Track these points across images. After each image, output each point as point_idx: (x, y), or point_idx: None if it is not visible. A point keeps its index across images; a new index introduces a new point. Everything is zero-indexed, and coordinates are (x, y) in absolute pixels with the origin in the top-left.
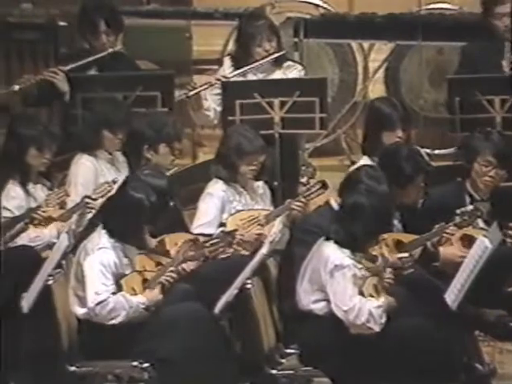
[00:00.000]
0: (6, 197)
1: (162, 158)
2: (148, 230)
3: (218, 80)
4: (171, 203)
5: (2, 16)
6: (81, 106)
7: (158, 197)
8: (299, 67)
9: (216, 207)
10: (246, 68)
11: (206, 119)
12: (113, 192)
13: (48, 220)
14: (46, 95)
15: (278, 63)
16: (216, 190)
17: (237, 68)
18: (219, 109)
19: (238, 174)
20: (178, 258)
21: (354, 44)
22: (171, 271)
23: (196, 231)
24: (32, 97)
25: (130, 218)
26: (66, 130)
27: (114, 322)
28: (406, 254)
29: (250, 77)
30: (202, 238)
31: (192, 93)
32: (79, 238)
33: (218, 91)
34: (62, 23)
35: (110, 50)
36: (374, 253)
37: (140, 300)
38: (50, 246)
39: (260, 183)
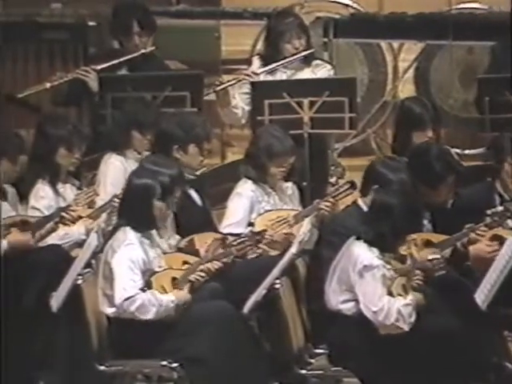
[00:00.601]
0: (35, 196)
1: (191, 158)
2: (165, 213)
3: (247, 75)
4: (199, 202)
5: (32, 16)
6: (110, 105)
7: (167, 182)
8: (328, 66)
9: (245, 207)
10: (275, 65)
11: (234, 117)
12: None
13: (77, 219)
14: (76, 94)
15: (307, 61)
16: (245, 189)
17: (266, 66)
18: (247, 108)
19: (267, 175)
20: (206, 256)
21: (384, 44)
22: (200, 270)
23: (225, 231)
24: (62, 96)
25: (139, 203)
26: (96, 130)
27: (143, 317)
28: (436, 256)
29: (279, 74)
30: (230, 238)
31: (219, 87)
32: (108, 237)
33: (247, 90)
34: (91, 23)
35: (143, 51)
36: (403, 253)
37: (170, 298)
38: (79, 244)
39: (289, 184)
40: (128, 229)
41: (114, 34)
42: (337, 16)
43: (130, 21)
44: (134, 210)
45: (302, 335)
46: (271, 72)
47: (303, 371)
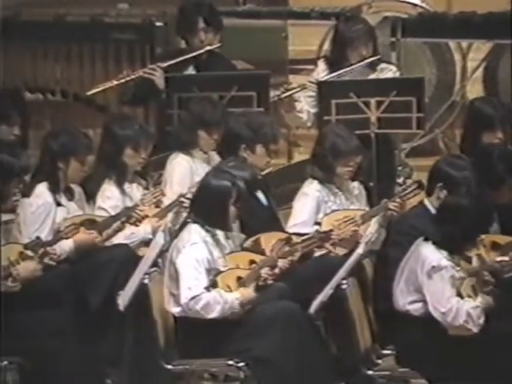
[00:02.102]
0: (102, 196)
1: (258, 158)
2: (234, 213)
3: (311, 83)
4: (265, 202)
5: (99, 16)
6: (177, 105)
7: (242, 184)
8: (394, 69)
9: (311, 207)
10: (339, 72)
11: (299, 121)
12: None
13: (144, 219)
14: (142, 94)
15: (372, 66)
16: (311, 189)
17: (331, 70)
18: (313, 111)
19: (333, 175)
20: (272, 256)
21: (452, 43)
22: (266, 269)
23: (291, 230)
24: (129, 96)
25: (215, 203)
26: (162, 130)
27: (208, 316)
28: (505, 257)
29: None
30: (295, 238)
31: (284, 95)
32: (175, 236)
33: (312, 93)
34: (158, 23)
35: (208, 48)
36: (471, 254)
37: (235, 296)
38: (146, 243)
39: (356, 184)
40: (194, 227)
41: (180, 32)
42: (405, 15)
43: (196, 17)
44: (208, 209)
45: (369, 336)
46: (337, 78)
47: (370, 372)
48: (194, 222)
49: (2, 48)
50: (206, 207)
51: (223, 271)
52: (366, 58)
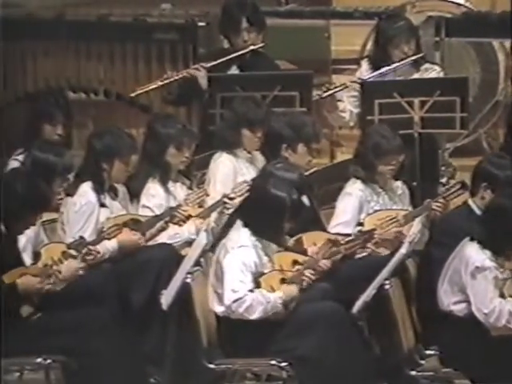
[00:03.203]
0: (146, 195)
1: (299, 157)
2: (287, 227)
3: (354, 82)
4: (308, 203)
5: (142, 16)
6: (220, 105)
7: (295, 196)
8: (438, 69)
9: (354, 207)
10: (382, 70)
11: (341, 121)
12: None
13: (188, 218)
14: (187, 94)
15: (416, 66)
16: (354, 189)
17: (374, 70)
18: (355, 110)
19: (376, 174)
20: (316, 258)
21: (496, 43)
22: (310, 271)
23: (334, 230)
24: (173, 95)
25: (272, 215)
26: (205, 129)
27: (251, 317)
28: None
29: (388, 79)
30: (339, 238)
31: (326, 94)
32: (218, 236)
33: (355, 93)
34: (201, 23)
35: (251, 47)
36: None
37: (277, 295)
38: (189, 242)
39: (399, 183)
40: (244, 230)
41: (223, 31)
42: (448, 15)
43: (239, 17)
44: (262, 220)
45: (412, 336)
46: (379, 77)
47: (413, 372)
48: (245, 226)
49: (1, 48)
50: (260, 217)
51: (266, 273)
52: (408, 56)
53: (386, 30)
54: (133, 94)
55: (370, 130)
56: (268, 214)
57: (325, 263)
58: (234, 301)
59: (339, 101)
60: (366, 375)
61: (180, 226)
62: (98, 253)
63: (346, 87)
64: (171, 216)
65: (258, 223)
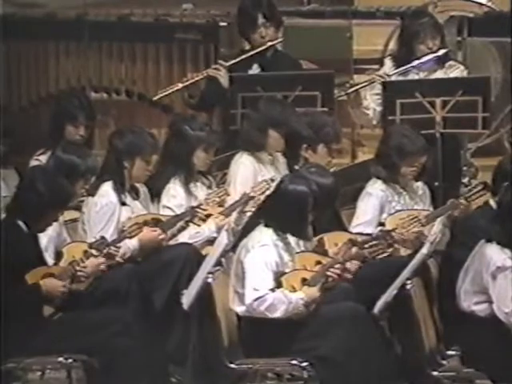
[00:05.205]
0: (167, 195)
1: (319, 157)
2: (311, 218)
3: (380, 77)
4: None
5: (163, 16)
6: (241, 105)
7: (321, 192)
8: (462, 67)
9: (375, 207)
10: (407, 66)
11: (365, 118)
12: (271, 190)
13: (208, 217)
14: (209, 98)
15: (440, 63)
16: (375, 189)
17: (398, 67)
18: (379, 109)
19: (398, 175)
20: (337, 258)
21: None
22: (334, 270)
23: (355, 230)
24: (196, 99)
25: (293, 211)
26: (226, 129)
27: (272, 316)
28: None
29: (412, 76)
30: (360, 238)
31: (351, 90)
32: (239, 236)
33: (378, 91)
34: (222, 23)
35: (269, 44)
36: None
37: (299, 296)
38: (209, 241)
39: (420, 184)
40: (265, 229)
41: (241, 31)
42: (471, 15)
43: (255, 13)
44: (284, 216)
45: (433, 336)
46: (403, 73)
47: (435, 373)
48: (266, 226)
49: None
50: (283, 213)
51: (288, 272)
52: (433, 52)
53: (410, 26)
54: (155, 98)
55: (392, 130)
56: (289, 210)
57: (352, 265)
58: (256, 299)
59: (363, 99)
60: (388, 375)
61: (199, 225)
62: (119, 248)
63: (372, 82)
64: (192, 215)
65: (282, 220)
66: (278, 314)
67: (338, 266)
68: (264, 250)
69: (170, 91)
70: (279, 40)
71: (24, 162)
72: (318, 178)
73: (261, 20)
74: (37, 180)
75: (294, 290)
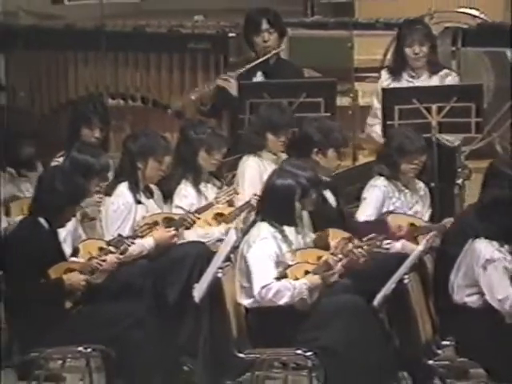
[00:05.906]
0: (179, 196)
1: (329, 161)
2: (300, 211)
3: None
4: (334, 203)
5: (176, 27)
6: (249, 110)
7: (305, 183)
8: (454, 74)
9: (378, 198)
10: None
11: (373, 141)
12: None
13: (218, 216)
14: (219, 105)
15: (434, 71)
16: (379, 183)
17: (393, 78)
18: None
19: (399, 172)
20: (337, 253)
21: (509, 52)
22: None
23: (361, 219)
24: (207, 106)
25: (282, 203)
26: (235, 134)
27: (279, 302)
28: None
29: (407, 84)
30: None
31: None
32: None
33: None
34: (231, 34)
35: (274, 52)
36: None
37: (302, 282)
38: (221, 239)
39: (422, 185)
40: (263, 224)
41: (246, 35)
42: (465, 26)
43: (260, 19)
44: (275, 207)
45: (429, 327)
46: (399, 81)
47: (431, 362)
48: (262, 220)
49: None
50: (274, 205)
51: (292, 264)
52: (418, 58)
53: (403, 32)
54: (169, 111)
55: (394, 133)
56: (278, 200)
57: (362, 251)
58: (262, 287)
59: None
60: (387, 364)
61: (210, 226)
62: (131, 244)
63: None
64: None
65: (271, 211)
66: (284, 300)
67: (337, 258)
68: (264, 243)
69: (182, 102)
70: (282, 48)
71: (47, 164)
72: (300, 171)
73: (265, 25)
74: (55, 179)
75: (297, 280)
